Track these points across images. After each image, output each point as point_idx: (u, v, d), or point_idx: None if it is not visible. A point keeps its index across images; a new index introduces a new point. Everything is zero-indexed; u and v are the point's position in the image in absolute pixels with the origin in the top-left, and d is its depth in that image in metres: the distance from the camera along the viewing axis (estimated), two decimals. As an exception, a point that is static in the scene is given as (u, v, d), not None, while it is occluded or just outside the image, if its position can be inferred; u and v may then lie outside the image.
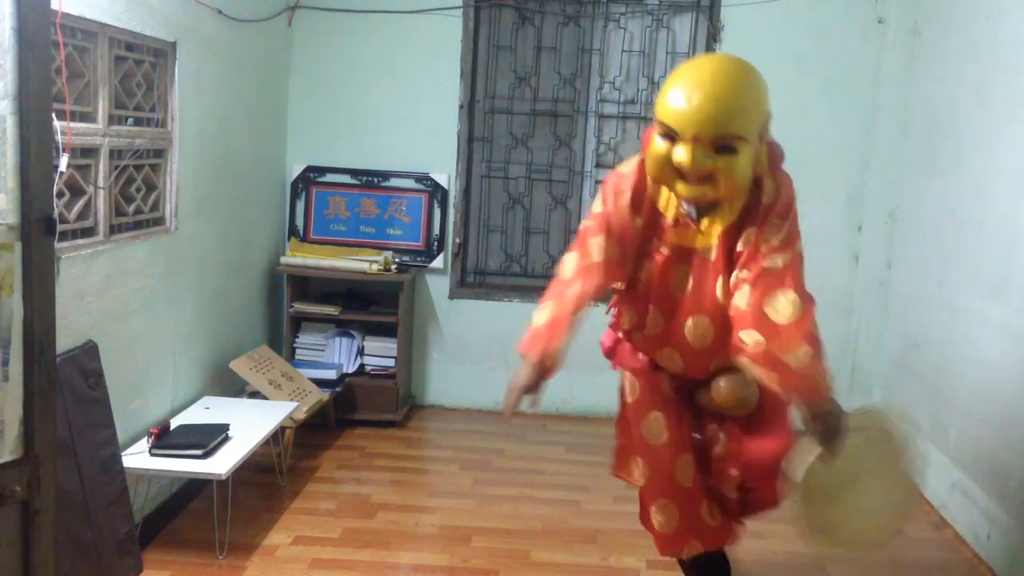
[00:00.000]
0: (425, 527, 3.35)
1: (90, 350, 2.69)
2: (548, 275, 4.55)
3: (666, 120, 2.15)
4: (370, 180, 4.60)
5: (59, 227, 2.28)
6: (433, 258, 4.61)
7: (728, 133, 2.10)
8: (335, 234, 4.61)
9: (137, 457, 2.91)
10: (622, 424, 2.66)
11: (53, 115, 1.76)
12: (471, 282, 4.76)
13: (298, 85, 4.58)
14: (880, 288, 4.41)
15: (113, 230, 2.93)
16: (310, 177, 4.60)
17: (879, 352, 4.42)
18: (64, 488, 2.43)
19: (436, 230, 4.61)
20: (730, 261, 2.30)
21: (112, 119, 2.89)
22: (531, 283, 4.71)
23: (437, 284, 4.67)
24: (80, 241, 2.74)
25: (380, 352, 4.46)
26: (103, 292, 2.82)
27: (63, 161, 2.54)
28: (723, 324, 2.30)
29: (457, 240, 4.65)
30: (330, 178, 4.61)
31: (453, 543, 3.22)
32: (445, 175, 4.59)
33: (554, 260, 4.66)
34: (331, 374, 4.21)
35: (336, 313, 4.39)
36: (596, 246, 2.34)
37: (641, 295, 2.42)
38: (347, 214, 4.61)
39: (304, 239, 4.60)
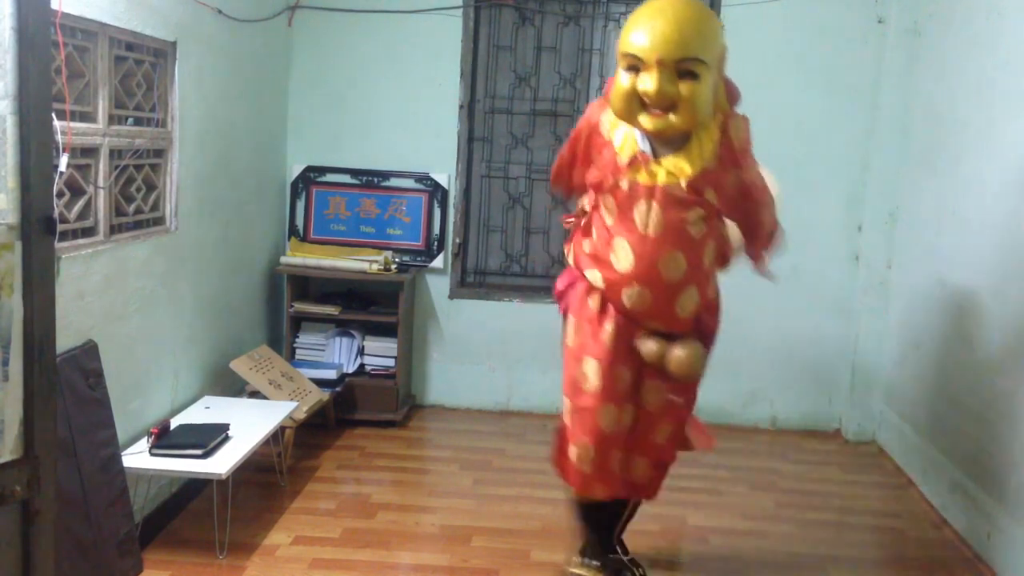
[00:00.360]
0: (425, 527, 3.35)
1: (90, 350, 2.69)
2: (548, 275, 4.59)
3: (630, 51, 2.31)
4: (370, 180, 4.60)
5: (59, 227, 2.28)
6: (433, 258, 4.61)
7: (690, 55, 2.26)
8: (335, 234, 4.61)
9: (137, 457, 2.91)
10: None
11: (53, 115, 1.75)
12: (471, 282, 4.76)
13: (298, 85, 4.58)
14: (880, 288, 4.41)
15: (113, 230, 2.93)
16: (310, 177, 4.61)
17: (879, 352, 4.41)
18: (64, 488, 2.43)
19: (436, 230, 4.61)
20: (702, 196, 2.44)
21: (112, 119, 2.89)
22: (531, 283, 4.71)
23: (437, 284, 4.67)
24: (80, 241, 2.75)
25: (380, 352, 4.46)
26: (103, 292, 2.82)
27: (63, 161, 2.54)
28: (694, 257, 2.48)
29: (457, 240, 4.65)
30: (330, 178, 4.61)
31: (453, 543, 3.22)
32: (445, 175, 4.59)
33: (554, 260, 4.66)
34: (331, 374, 4.21)
35: (336, 313, 4.39)
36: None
37: (607, 229, 2.53)
38: (347, 214, 4.61)
39: (304, 239, 4.60)
